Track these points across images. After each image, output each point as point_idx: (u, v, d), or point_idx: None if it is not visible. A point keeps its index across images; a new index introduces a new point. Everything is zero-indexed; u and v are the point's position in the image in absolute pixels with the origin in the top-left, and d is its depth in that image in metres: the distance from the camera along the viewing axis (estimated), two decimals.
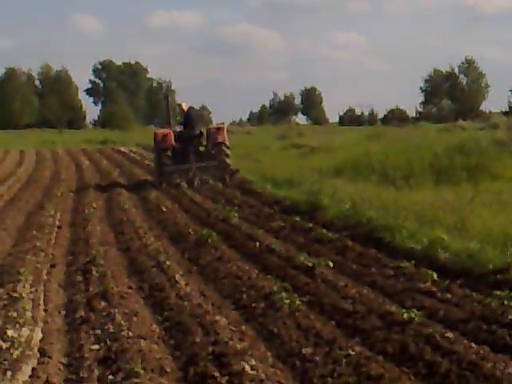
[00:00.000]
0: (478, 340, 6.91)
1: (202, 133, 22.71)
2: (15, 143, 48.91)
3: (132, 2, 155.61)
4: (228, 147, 22.25)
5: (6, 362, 6.51)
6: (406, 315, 7.51)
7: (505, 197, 14.50)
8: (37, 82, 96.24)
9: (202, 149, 22.69)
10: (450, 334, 7.03)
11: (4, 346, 6.96)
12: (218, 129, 22.70)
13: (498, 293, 7.91)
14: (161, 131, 22.96)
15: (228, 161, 22.21)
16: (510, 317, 7.38)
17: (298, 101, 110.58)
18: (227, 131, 22.99)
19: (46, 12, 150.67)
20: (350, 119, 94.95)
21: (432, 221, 12.15)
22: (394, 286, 9.18)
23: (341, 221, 13.93)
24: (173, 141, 21.97)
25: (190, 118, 22.76)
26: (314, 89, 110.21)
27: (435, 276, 9.21)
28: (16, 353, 6.80)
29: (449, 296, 8.52)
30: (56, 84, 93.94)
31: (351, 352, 6.72)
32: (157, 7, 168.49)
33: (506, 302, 7.65)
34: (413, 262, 10.08)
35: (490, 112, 78.56)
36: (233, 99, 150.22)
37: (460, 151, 22.00)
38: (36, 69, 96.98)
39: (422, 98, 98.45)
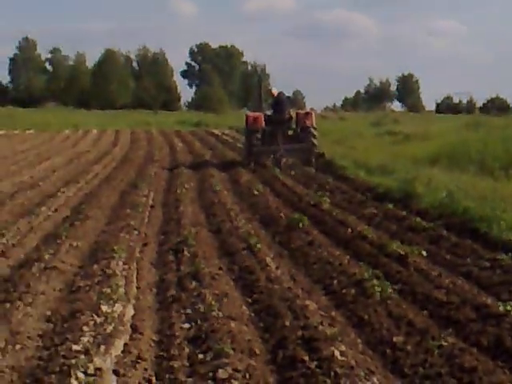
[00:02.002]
0: None
1: (291, 117, 23.65)
2: (111, 123, 50.20)
3: None
4: (315, 131, 23.08)
5: (99, 337, 6.66)
6: (502, 308, 7.39)
7: None
8: (134, 64, 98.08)
9: (290, 132, 23.57)
10: None
11: (98, 320, 7.12)
12: (307, 114, 23.78)
13: None
14: (252, 114, 23.89)
15: (315, 144, 23.03)
16: None
17: (393, 87, 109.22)
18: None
19: None
20: (447, 107, 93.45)
21: None
22: (489, 278, 9.00)
23: (435, 210, 13.70)
24: (263, 123, 22.88)
25: (280, 103, 23.70)
26: (410, 75, 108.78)
27: None
28: (109, 328, 6.94)
29: None
30: (153, 66, 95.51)
31: (444, 343, 6.65)
32: None
33: None
34: (510, 254, 9.87)
35: None
36: (327, 85, 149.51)
37: None
38: (134, 51, 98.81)
39: None
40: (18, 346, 6.52)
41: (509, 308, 7.33)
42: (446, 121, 49.24)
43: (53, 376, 5.70)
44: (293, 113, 24.12)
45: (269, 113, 23.81)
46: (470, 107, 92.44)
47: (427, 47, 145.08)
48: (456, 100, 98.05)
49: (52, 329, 7.18)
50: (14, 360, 6.23)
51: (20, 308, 7.53)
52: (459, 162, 19.98)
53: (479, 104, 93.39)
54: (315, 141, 23.05)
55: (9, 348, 6.43)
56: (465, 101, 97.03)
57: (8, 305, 7.65)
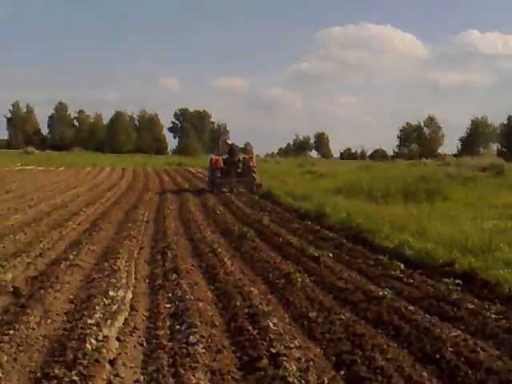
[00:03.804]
0: (431, 312, 6.85)
1: (239, 160, 24.38)
2: (119, 163, 49.55)
3: (201, 69, 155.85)
4: (255, 169, 23.99)
5: (107, 313, 6.55)
6: (381, 293, 7.48)
7: (452, 213, 14.36)
8: (136, 122, 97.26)
9: (239, 170, 24.15)
10: (411, 307, 6.97)
11: (106, 302, 7.01)
12: (250, 157, 24.89)
13: (446, 280, 7.86)
14: (215, 157, 24.65)
15: (255, 177, 23.79)
16: (453, 297, 7.29)
17: (312, 141, 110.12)
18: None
19: (142, 75, 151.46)
20: (347, 155, 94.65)
21: (401, 227, 12.07)
22: (373, 272, 9.11)
23: (339, 225, 13.85)
24: (221, 164, 23.74)
25: (233, 150, 24.42)
26: (323, 133, 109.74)
27: (402, 266, 9.15)
28: (114, 307, 6.84)
29: (411, 281, 8.44)
30: (149, 123, 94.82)
31: (343, 317, 6.70)
32: (219, 73, 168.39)
33: (450, 287, 7.59)
34: (387, 255, 10.01)
35: (445, 154, 77.18)
36: (268, 138, 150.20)
37: (423, 180, 21.79)
38: (136, 112, 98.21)
39: (397, 142, 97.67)
40: (49, 321, 6.37)
41: (386, 293, 7.43)
42: (347, 164, 49.88)
43: (73, 341, 5.57)
44: (241, 157, 24.70)
45: (225, 157, 24.25)
46: (362, 155, 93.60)
47: (334, 114, 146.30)
48: (353, 150, 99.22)
49: (74, 308, 7.04)
50: (46, 330, 6.09)
51: (51, 293, 7.36)
52: (355, 192, 20.23)
53: (368, 153, 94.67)
54: (255, 175, 23.75)
55: (42, 322, 6.28)
56: (359, 151, 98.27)
57: (42, 291, 7.47)
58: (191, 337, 5.84)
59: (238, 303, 7.23)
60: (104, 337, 5.72)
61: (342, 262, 9.95)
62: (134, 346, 5.83)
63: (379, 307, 7.02)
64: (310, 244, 11.55)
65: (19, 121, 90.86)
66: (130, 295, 7.62)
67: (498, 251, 9.27)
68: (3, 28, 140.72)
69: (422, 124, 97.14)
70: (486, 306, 6.97)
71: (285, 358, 5.25)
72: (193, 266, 9.74)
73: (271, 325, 6.23)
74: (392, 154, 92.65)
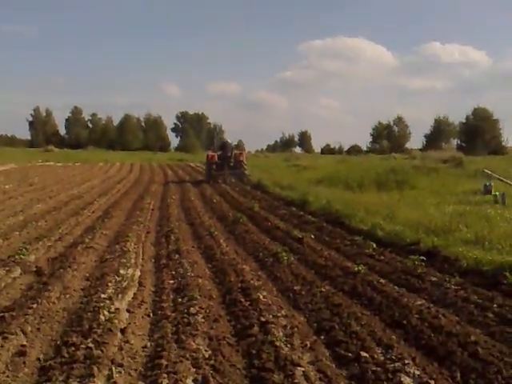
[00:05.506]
0: (399, 284, 6.89)
1: (231, 155, 24.83)
2: (128, 159, 49.22)
3: (199, 75, 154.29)
4: (245, 163, 24.66)
5: (118, 289, 6.54)
6: (356, 268, 7.52)
7: (419, 199, 14.39)
8: (142, 123, 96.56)
9: (231, 164, 24.65)
10: (382, 281, 7.01)
11: (118, 279, 7.00)
12: (240, 153, 25.67)
13: (412, 256, 7.91)
14: (211, 153, 25.12)
15: (245, 170, 24.50)
16: (418, 271, 7.36)
17: (296, 138, 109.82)
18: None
19: (148, 82, 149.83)
20: (327, 150, 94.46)
21: (374, 212, 12.11)
22: (349, 251, 9.15)
23: (320, 211, 13.87)
24: (216, 158, 24.36)
25: (226, 147, 24.98)
26: (306, 131, 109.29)
27: (375, 245, 9.21)
28: (124, 283, 6.83)
29: (382, 258, 8.50)
30: (154, 124, 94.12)
31: (323, 289, 6.72)
32: (214, 79, 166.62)
33: (416, 262, 7.63)
34: (362, 236, 10.05)
35: (411, 148, 77.09)
36: (258, 136, 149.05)
37: (392, 171, 21.80)
38: (142, 115, 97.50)
39: (370, 139, 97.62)
40: (67, 296, 6.35)
41: (360, 268, 7.47)
42: (326, 158, 49.79)
43: (89, 313, 5.56)
44: (232, 152, 24.97)
45: (219, 153, 24.66)
46: (340, 150, 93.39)
47: (316, 114, 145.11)
48: (332, 146, 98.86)
49: (89, 285, 7.02)
50: (65, 304, 6.07)
51: (69, 272, 7.33)
52: (334, 182, 20.21)
53: (345, 148, 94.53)
54: (244, 168, 24.34)
55: (61, 297, 6.26)
56: (337, 146, 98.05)
57: (62, 270, 7.44)
58: (192, 308, 5.84)
59: (232, 279, 7.23)
60: (116, 309, 5.72)
61: (322, 243, 9.98)
62: (142, 317, 5.82)
63: (354, 281, 7.06)
64: (294, 227, 11.57)
65: (40, 123, 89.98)
66: (138, 273, 7.61)
67: (457, 232, 9.35)
68: (32, 42, 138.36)
69: (392, 123, 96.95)
70: (447, 279, 7.03)
71: (273, 326, 5.27)
72: (193, 247, 9.73)
73: (261, 297, 6.24)
74: (366, 149, 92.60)
